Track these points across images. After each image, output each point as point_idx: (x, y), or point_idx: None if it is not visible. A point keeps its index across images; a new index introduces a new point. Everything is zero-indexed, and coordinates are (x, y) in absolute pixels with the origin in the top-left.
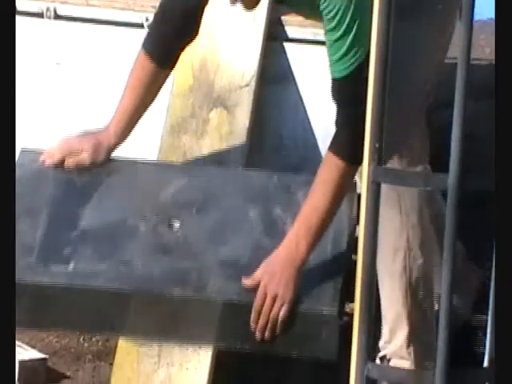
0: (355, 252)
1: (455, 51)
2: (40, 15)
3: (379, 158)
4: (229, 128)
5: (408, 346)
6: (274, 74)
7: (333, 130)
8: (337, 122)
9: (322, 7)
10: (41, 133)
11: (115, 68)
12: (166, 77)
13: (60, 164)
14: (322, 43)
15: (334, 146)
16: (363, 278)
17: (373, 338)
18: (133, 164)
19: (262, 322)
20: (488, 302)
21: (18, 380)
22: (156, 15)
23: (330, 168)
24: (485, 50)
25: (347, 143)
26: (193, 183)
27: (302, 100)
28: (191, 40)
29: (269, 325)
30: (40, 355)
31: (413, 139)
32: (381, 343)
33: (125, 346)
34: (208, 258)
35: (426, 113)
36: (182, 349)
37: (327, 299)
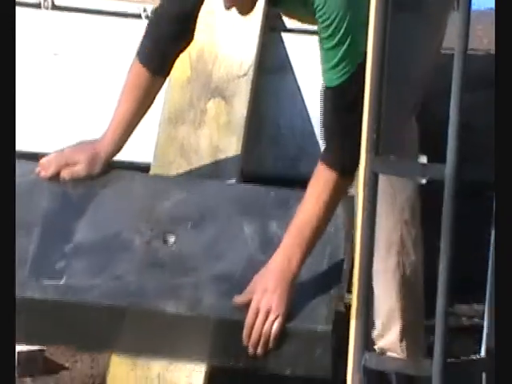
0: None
1: (452, 41)
2: (38, 6)
3: (377, 149)
4: (227, 118)
5: (401, 342)
6: (271, 64)
7: None
8: (327, 132)
9: (318, 14)
10: (38, 124)
11: (113, 58)
12: (162, 83)
13: (55, 176)
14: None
15: (325, 158)
16: (361, 269)
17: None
18: (129, 176)
19: (254, 337)
20: (485, 291)
21: (16, 371)
22: (150, 22)
23: (321, 180)
24: (482, 40)
25: (339, 154)
26: (189, 197)
27: (299, 90)
28: (186, 46)
29: (261, 340)
30: (37, 346)
31: (404, 134)
32: (373, 335)
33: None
34: (202, 273)
35: (420, 107)
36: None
37: (321, 316)
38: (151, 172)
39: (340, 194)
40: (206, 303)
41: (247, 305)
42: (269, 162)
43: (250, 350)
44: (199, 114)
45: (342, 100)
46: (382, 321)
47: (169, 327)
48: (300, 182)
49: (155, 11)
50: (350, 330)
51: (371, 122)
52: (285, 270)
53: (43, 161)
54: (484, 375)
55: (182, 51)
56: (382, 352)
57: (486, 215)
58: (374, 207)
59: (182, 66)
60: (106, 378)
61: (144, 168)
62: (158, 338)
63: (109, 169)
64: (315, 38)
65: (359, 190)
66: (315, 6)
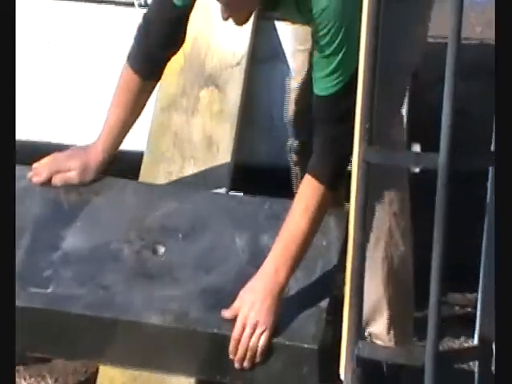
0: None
1: (446, 30)
2: None
3: (370, 138)
4: (220, 107)
5: (388, 331)
6: (265, 54)
7: None
8: (316, 142)
9: (317, 22)
10: (31, 112)
11: (106, 47)
12: (153, 87)
13: (47, 182)
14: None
15: (314, 169)
16: (354, 259)
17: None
18: (122, 184)
19: (240, 351)
20: (478, 280)
21: None
22: (140, 28)
23: (309, 192)
24: (475, 28)
25: (328, 167)
26: (181, 207)
27: None
28: (177, 50)
29: (248, 354)
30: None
31: (394, 124)
32: None
33: None
34: (191, 286)
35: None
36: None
37: (309, 333)
38: (144, 161)
39: (328, 206)
40: (192, 316)
41: (234, 318)
42: (261, 151)
43: (236, 364)
44: (192, 102)
45: (334, 110)
46: (369, 310)
47: (155, 339)
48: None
49: (145, 16)
50: (343, 320)
51: (364, 111)
52: (272, 283)
53: (36, 166)
54: (477, 363)
55: (173, 55)
56: (371, 338)
57: (479, 203)
58: (366, 197)
59: (176, 55)
60: (99, 366)
61: (137, 156)
62: (144, 350)
63: (101, 176)
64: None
65: (352, 179)
66: (313, 13)
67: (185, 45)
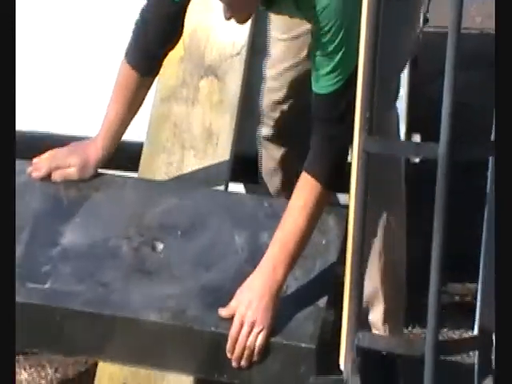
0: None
1: (446, 20)
2: None
3: (370, 128)
4: (219, 97)
5: (384, 323)
6: (265, 44)
7: None
8: (314, 139)
9: (320, 18)
10: (31, 103)
11: (105, 35)
12: (151, 83)
13: (47, 177)
14: None
15: (312, 168)
16: (354, 250)
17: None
18: (121, 181)
19: (238, 350)
20: (478, 269)
21: None
22: (137, 24)
23: (306, 191)
24: (475, 19)
25: (326, 166)
26: (181, 204)
27: None
28: (175, 45)
29: (245, 353)
30: None
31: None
32: None
33: None
34: (189, 283)
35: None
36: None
37: (307, 333)
38: (144, 151)
39: (326, 203)
40: (190, 314)
41: (231, 317)
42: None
43: (234, 363)
44: (192, 92)
45: (333, 108)
46: (366, 299)
47: (152, 337)
48: None
49: (142, 12)
50: (343, 310)
51: (364, 100)
52: (270, 281)
53: (35, 161)
54: (477, 353)
55: (171, 49)
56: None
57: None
58: (366, 187)
59: (176, 46)
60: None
61: (137, 147)
62: (142, 348)
63: (101, 172)
64: None
65: (352, 169)
66: (316, 10)
67: (184, 35)
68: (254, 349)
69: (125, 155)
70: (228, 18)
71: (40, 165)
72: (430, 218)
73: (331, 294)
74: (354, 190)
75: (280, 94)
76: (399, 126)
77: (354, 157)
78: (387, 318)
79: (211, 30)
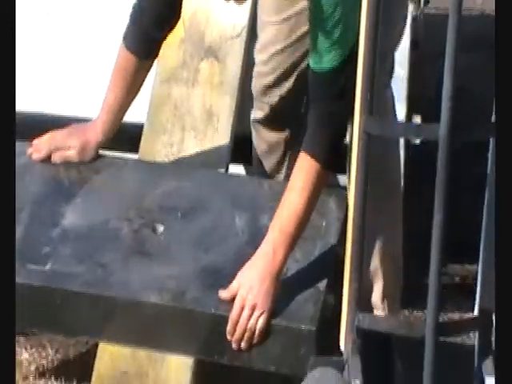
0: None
1: (446, 1)
2: None
3: (370, 109)
4: (220, 78)
5: (382, 301)
6: None
7: None
8: (311, 118)
9: None
10: (30, 83)
11: (105, 18)
12: (150, 66)
13: (47, 159)
14: None
15: (310, 149)
16: (354, 232)
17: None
18: (121, 163)
19: (238, 333)
20: (479, 250)
21: None
22: (135, 7)
23: (305, 171)
24: (476, 0)
25: (324, 146)
26: (181, 186)
27: None
28: (173, 28)
29: (246, 335)
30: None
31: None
32: None
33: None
34: (189, 265)
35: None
36: None
37: (307, 315)
38: (145, 132)
39: (324, 183)
40: (190, 296)
41: (232, 301)
42: None
43: (234, 345)
44: (192, 74)
45: (333, 85)
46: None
47: (152, 318)
48: None
49: None
50: (344, 291)
51: (365, 81)
52: (271, 264)
53: (36, 142)
54: (477, 334)
55: (169, 32)
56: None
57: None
58: (367, 169)
59: (176, 27)
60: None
61: (138, 128)
62: (142, 329)
63: (101, 155)
64: None
65: (353, 151)
66: None
67: (184, 17)
68: (255, 331)
69: (125, 136)
70: (227, 0)
71: (40, 146)
72: (430, 200)
73: (331, 276)
74: (355, 172)
75: (270, 78)
76: (395, 105)
77: (354, 138)
78: (386, 295)
79: (211, 12)
